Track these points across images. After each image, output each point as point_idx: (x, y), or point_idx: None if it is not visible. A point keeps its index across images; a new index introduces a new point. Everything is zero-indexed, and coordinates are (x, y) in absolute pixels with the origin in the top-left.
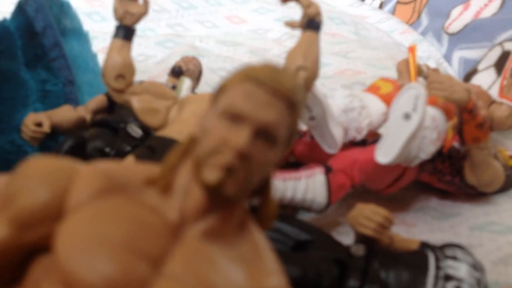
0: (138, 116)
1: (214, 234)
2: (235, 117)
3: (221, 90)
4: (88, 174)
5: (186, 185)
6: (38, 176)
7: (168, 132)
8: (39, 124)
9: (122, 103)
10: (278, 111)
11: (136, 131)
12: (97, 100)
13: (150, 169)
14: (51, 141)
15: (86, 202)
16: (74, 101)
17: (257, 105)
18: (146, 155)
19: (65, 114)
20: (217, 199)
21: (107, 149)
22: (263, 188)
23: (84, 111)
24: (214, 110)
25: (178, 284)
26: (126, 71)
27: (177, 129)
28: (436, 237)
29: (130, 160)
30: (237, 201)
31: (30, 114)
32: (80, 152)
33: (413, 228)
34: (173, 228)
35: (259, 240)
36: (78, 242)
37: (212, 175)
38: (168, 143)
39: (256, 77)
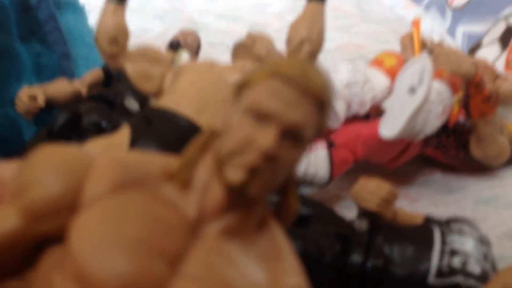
0: (132, 82)
1: (233, 232)
2: (261, 116)
3: (245, 84)
4: (105, 165)
5: (206, 181)
6: (53, 166)
7: (165, 102)
8: (33, 98)
9: (116, 69)
10: (306, 111)
11: (133, 104)
12: (93, 74)
13: (168, 161)
14: (46, 115)
15: (102, 195)
16: (70, 75)
17: (285, 104)
18: (141, 126)
19: (60, 87)
20: (238, 198)
21: (104, 123)
22: (286, 185)
23: (80, 85)
24: (237, 105)
25: (197, 284)
26: (119, 35)
27: (174, 100)
28: (440, 211)
29: (124, 130)
30: (259, 200)
31: (24, 88)
32: (75, 126)
33: (417, 202)
34: (192, 225)
35: (279, 239)
36: (93, 237)
37: (235, 175)
38: (164, 115)
39: (285, 73)
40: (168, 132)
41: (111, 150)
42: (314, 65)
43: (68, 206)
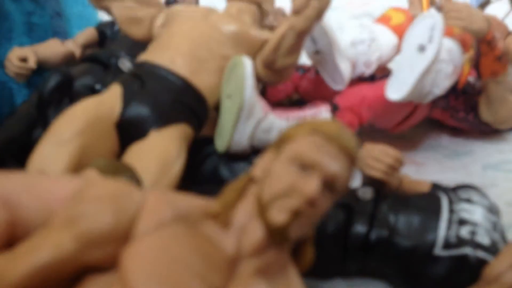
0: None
1: (265, 272)
2: (305, 166)
3: (285, 139)
4: (156, 202)
5: (245, 223)
6: (107, 200)
7: (158, 58)
8: (24, 60)
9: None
10: (343, 165)
11: (127, 66)
12: (87, 34)
13: (208, 202)
14: (38, 77)
15: (153, 229)
16: (62, 35)
17: (328, 157)
18: (134, 87)
19: (53, 48)
20: (275, 239)
21: (98, 86)
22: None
23: (73, 45)
24: (278, 156)
25: None
26: None
27: (168, 56)
28: (447, 177)
29: (115, 90)
30: (289, 243)
31: (14, 49)
32: (67, 90)
33: (423, 168)
34: (230, 262)
35: (296, 282)
36: (146, 267)
37: (280, 217)
38: (158, 74)
39: (326, 132)
40: (163, 94)
41: (101, 111)
42: (347, 129)
43: (119, 237)
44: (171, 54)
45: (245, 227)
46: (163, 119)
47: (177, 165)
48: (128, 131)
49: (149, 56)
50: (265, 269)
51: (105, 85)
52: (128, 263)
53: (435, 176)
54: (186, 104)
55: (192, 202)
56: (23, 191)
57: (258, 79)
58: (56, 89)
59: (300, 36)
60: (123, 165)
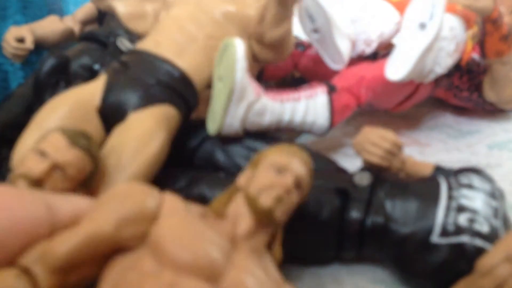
0: (124, 23)
1: (256, 251)
2: (281, 169)
3: (261, 156)
4: (171, 197)
5: (237, 214)
6: (129, 192)
7: (146, 44)
8: (21, 40)
9: (105, 9)
10: (304, 171)
11: (126, 45)
12: (85, 9)
13: (205, 208)
14: (36, 57)
15: (174, 213)
16: (58, 12)
17: (295, 164)
18: (118, 72)
19: (51, 26)
20: (261, 226)
21: (96, 66)
22: (274, 234)
23: (71, 22)
24: (257, 167)
25: (244, 272)
26: None
27: (154, 40)
28: (452, 157)
29: (101, 78)
30: (274, 231)
31: (11, 29)
32: (63, 72)
33: (428, 148)
34: (231, 239)
35: (271, 265)
36: (176, 236)
37: (268, 201)
38: (142, 57)
39: (290, 149)
40: (144, 78)
41: (82, 99)
42: (303, 150)
43: (146, 219)
44: (156, 37)
45: (237, 218)
46: (143, 101)
47: (155, 142)
48: (110, 116)
49: (139, 44)
50: (254, 250)
51: (104, 65)
52: (161, 235)
53: (439, 156)
54: (169, 86)
55: (194, 205)
56: (61, 199)
57: (257, 59)
58: (52, 72)
59: (282, 4)
60: (82, 133)
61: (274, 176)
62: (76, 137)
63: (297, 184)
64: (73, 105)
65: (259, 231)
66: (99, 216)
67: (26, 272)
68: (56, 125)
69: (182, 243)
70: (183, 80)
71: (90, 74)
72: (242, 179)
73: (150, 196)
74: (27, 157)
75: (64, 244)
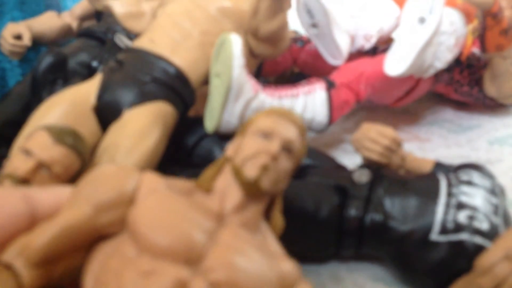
0: (121, 23)
1: (246, 226)
2: (266, 134)
3: (248, 123)
4: (151, 177)
5: (225, 187)
6: (109, 175)
7: (141, 42)
8: (18, 37)
9: (102, 9)
10: (295, 132)
11: (124, 41)
12: (83, 5)
13: (193, 182)
14: (33, 54)
15: (154, 191)
16: (56, 7)
17: (283, 127)
18: (113, 70)
19: (48, 22)
20: (252, 196)
21: (94, 63)
22: (274, 199)
23: (69, 17)
24: (244, 135)
25: (229, 250)
26: None
27: (149, 37)
28: (452, 153)
29: (97, 77)
30: (270, 200)
31: (8, 25)
32: (61, 70)
33: (428, 144)
34: (217, 217)
35: (270, 236)
36: (153, 218)
37: (252, 171)
38: (137, 55)
39: (277, 111)
40: (139, 75)
41: (78, 98)
42: (293, 111)
43: (124, 203)
44: (151, 35)
45: (226, 191)
46: (138, 98)
47: (150, 139)
48: (106, 115)
49: (135, 42)
50: (246, 223)
51: (102, 62)
52: (136, 218)
53: (439, 151)
54: (165, 83)
55: (182, 181)
56: (40, 190)
57: (254, 54)
58: (49, 70)
59: None
60: (69, 130)
61: (260, 143)
62: (62, 134)
63: (287, 148)
64: (69, 104)
65: (250, 203)
66: (75, 204)
67: (8, 267)
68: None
69: (158, 226)
70: (179, 77)
71: (88, 71)
72: (230, 149)
73: (127, 178)
74: (13, 157)
75: (41, 236)
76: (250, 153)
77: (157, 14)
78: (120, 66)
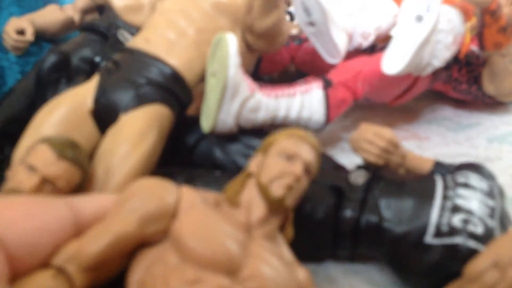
0: (121, 17)
1: (268, 236)
2: (289, 156)
3: (270, 143)
4: (188, 191)
5: (250, 202)
6: (150, 189)
7: (137, 41)
8: (21, 32)
9: (102, 2)
10: (314, 156)
11: (127, 37)
12: None
13: (220, 194)
14: (36, 48)
15: (193, 208)
16: (54, 2)
17: (304, 151)
18: (109, 72)
19: (51, 16)
20: (275, 210)
21: (97, 59)
22: (287, 214)
23: (71, 10)
24: (267, 155)
25: (261, 262)
26: None
27: (145, 37)
28: (451, 151)
29: (94, 79)
30: (286, 214)
31: (11, 20)
32: (64, 68)
33: (427, 142)
34: (246, 229)
35: (284, 245)
36: (196, 231)
37: (280, 191)
38: (133, 56)
39: (298, 134)
40: (135, 78)
41: (76, 103)
42: (311, 133)
43: (166, 215)
44: (147, 34)
45: (251, 205)
46: (134, 101)
47: (145, 144)
48: (103, 118)
49: (131, 42)
50: (268, 235)
51: (104, 57)
52: (181, 231)
53: (438, 150)
54: (161, 85)
55: (210, 193)
56: (82, 199)
57: (251, 49)
58: (53, 69)
59: None
60: (69, 142)
61: (284, 164)
62: (64, 148)
63: (307, 171)
64: (68, 109)
65: (272, 217)
66: (122, 215)
67: (61, 271)
68: (52, 130)
69: (201, 238)
70: (175, 77)
71: (91, 67)
72: (253, 165)
73: (169, 192)
74: (16, 170)
75: (94, 245)
76: (276, 174)
77: (156, 7)
78: (116, 68)
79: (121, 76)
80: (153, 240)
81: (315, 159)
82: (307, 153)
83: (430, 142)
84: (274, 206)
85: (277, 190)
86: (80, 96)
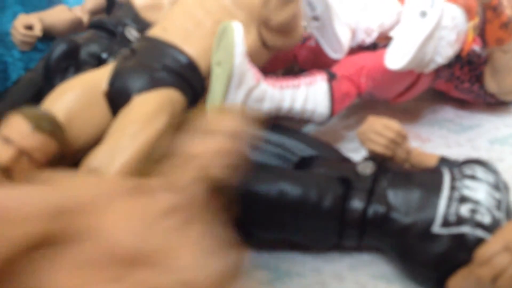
0: (140, 14)
1: (190, 219)
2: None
3: None
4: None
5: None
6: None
7: (154, 30)
8: (30, 27)
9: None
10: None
11: (134, 35)
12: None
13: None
14: (43, 45)
15: (118, 195)
16: (57, 3)
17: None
18: (127, 58)
19: (59, 15)
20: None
21: (104, 55)
22: None
23: (80, 11)
24: None
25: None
26: None
27: (162, 26)
28: (452, 153)
29: (110, 65)
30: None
31: (20, 16)
32: (73, 58)
33: (428, 143)
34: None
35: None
36: (121, 222)
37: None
38: (150, 44)
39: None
40: (150, 63)
41: (90, 83)
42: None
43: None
44: (164, 24)
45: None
46: (148, 84)
47: (156, 125)
48: (117, 100)
49: (149, 31)
50: (187, 219)
51: (112, 54)
52: (103, 224)
53: (440, 151)
54: (176, 71)
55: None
56: None
57: (267, 46)
58: (62, 57)
59: None
60: (45, 116)
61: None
62: (39, 121)
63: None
64: (81, 90)
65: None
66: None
67: None
68: (64, 110)
69: (125, 231)
70: (190, 66)
71: (97, 62)
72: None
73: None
74: None
75: None
76: None
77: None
78: (133, 54)
79: (137, 61)
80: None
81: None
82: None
83: (432, 144)
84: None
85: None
86: (95, 79)
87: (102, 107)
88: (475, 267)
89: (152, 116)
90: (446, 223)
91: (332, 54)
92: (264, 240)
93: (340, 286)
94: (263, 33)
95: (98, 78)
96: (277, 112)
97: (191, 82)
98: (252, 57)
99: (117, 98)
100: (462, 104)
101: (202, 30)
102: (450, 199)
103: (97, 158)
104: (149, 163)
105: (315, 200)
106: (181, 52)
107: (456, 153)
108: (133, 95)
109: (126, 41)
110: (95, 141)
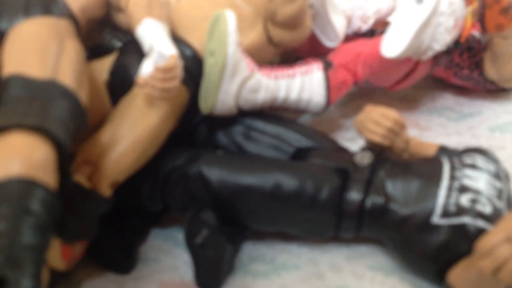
0: None
1: None
2: None
3: None
4: None
5: None
6: None
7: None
8: None
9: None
10: None
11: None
12: None
13: None
14: None
15: None
16: None
17: None
18: (129, 49)
19: None
20: None
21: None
22: None
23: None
24: None
25: None
26: None
27: (168, 18)
28: (452, 141)
29: (113, 54)
30: None
31: None
32: None
33: (427, 132)
34: None
35: None
36: None
37: None
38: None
39: None
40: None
41: (91, 72)
42: None
43: None
44: (171, 15)
45: None
46: None
47: (156, 113)
48: (117, 89)
49: None
50: None
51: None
52: None
53: (439, 140)
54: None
55: None
56: None
57: (274, 43)
58: None
59: None
60: None
61: None
62: None
63: None
64: None
65: None
66: None
67: None
68: None
69: None
70: (194, 58)
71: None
72: None
73: None
74: None
75: None
76: None
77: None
78: (135, 47)
79: (139, 51)
80: None
81: None
82: None
83: (431, 132)
84: None
85: None
86: (96, 69)
87: (101, 96)
88: (476, 258)
89: (152, 105)
90: (446, 213)
91: (327, 42)
92: (259, 232)
93: (337, 278)
94: (269, 28)
95: (98, 68)
96: (272, 102)
97: (195, 74)
98: (257, 54)
99: (118, 87)
100: (461, 91)
101: (207, 22)
102: (449, 189)
103: (96, 146)
104: None
105: (312, 191)
106: (186, 44)
107: (455, 141)
108: (134, 84)
109: (120, 32)
110: (95, 131)
